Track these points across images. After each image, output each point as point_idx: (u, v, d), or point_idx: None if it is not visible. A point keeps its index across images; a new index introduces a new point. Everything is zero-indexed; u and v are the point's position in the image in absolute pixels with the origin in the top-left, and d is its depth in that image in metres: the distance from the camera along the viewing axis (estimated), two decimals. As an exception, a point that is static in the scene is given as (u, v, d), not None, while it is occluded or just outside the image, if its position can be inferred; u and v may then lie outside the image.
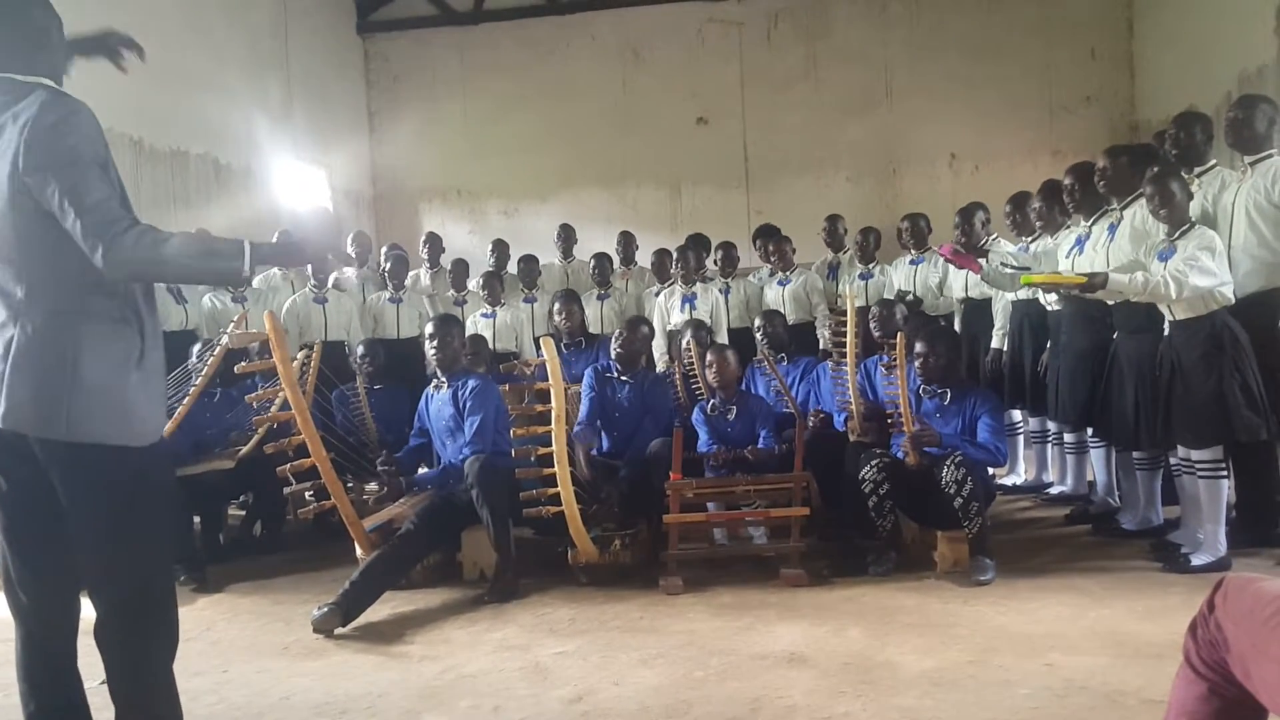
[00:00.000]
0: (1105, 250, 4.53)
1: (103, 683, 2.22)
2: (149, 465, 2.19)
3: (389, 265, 7.13)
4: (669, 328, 6.70)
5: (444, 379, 4.73)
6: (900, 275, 6.57)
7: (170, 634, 2.24)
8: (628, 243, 7.95)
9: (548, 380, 4.18)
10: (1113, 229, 4.54)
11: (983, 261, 5.00)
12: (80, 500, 2.13)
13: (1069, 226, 5.19)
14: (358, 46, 11.22)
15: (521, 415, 4.64)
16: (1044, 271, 4.81)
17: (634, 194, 10.71)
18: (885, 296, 6.44)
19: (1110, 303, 4.38)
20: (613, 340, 5.25)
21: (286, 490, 4.25)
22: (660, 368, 6.54)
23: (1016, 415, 5.91)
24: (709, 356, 4.98)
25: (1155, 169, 4.32)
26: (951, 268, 6.21)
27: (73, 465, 2.11)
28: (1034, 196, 5.50)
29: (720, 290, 6.92)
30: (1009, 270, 4.94)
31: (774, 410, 5.04)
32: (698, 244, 7.43)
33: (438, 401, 4.77)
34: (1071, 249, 4.89)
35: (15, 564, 2.24)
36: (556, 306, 6.27)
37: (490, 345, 6.38)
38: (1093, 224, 4.78)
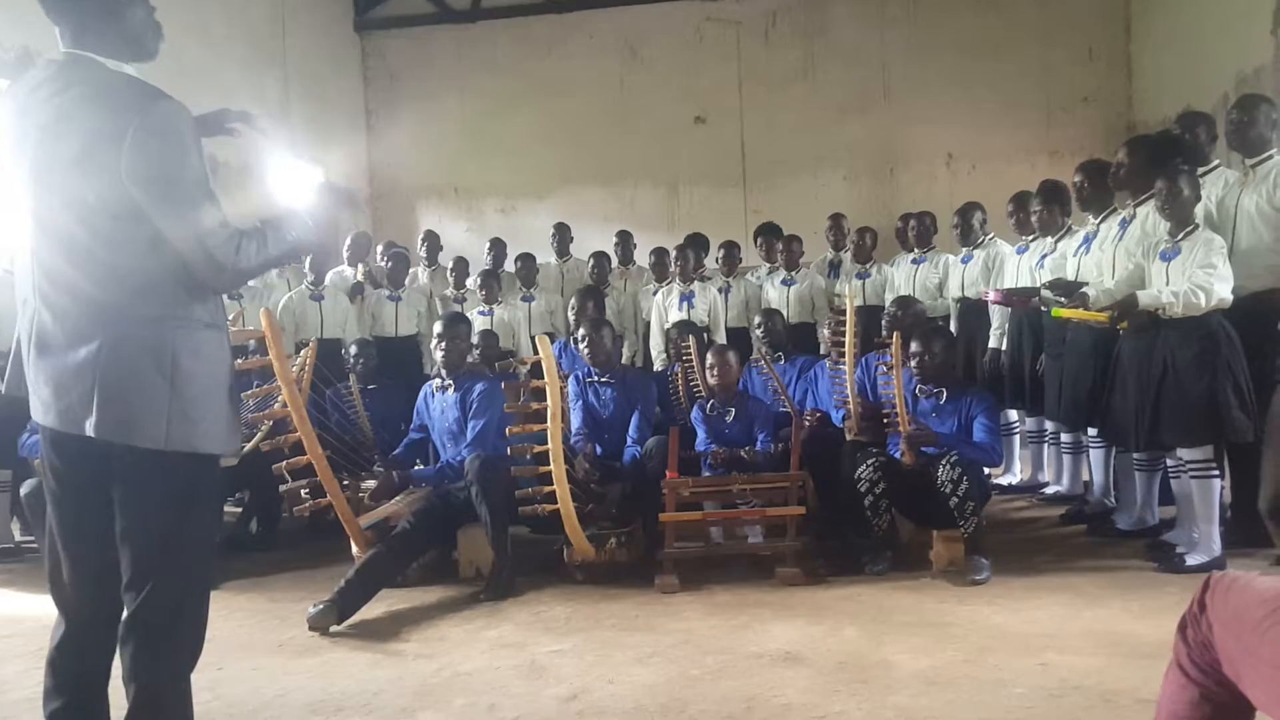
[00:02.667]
0: (1113, 248, 4.52)
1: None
2: (206, 476, 2.20)
3: (389, 263, 7.13)
4: (666, 326, 6.70)
5: (450, 380, 4.73)
6: (901, 275, 6.57)
7: (197, 641, 2.23)
8: (626, 242, 7.95)
9: (544, 378, 4.18)
10: (1124, 224, 4.53)
11: (1036, 299, 4.94)
12: (148, 503, 2.12)
13: (1074, 227, 5.19)
14: (355, 44, 11.20)
15: (517, 413, 4.63)
16: (1065, 280, 4.76)
17: (631, 193, 10.70)
18: (885, 296, 6.46)
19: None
20: (580, 345, 5.19)
21: (282, 488, 4.24)
22: (658, 366, 6.55)
23: (1013, 415, 5.93)
24: (709, 357, 4.98)
25: (1173, 165, 4.27)
26: (951, 268, 6.23)
27: (152, 470, 2.09)
28: (1034, 197, 5.50)
29: (719, 289, 6.92)
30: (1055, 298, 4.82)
31: (772, 412, 5.04)
32: (696, 243, 7.43)
33: (441, 402, 4.76)
34: (1079, 248, 4.89)
35: (67, 565, 2.22)
36: (574, 303, 6.31)
37: (488, 343, 6.37)
38: (1101, 222, 4.78)
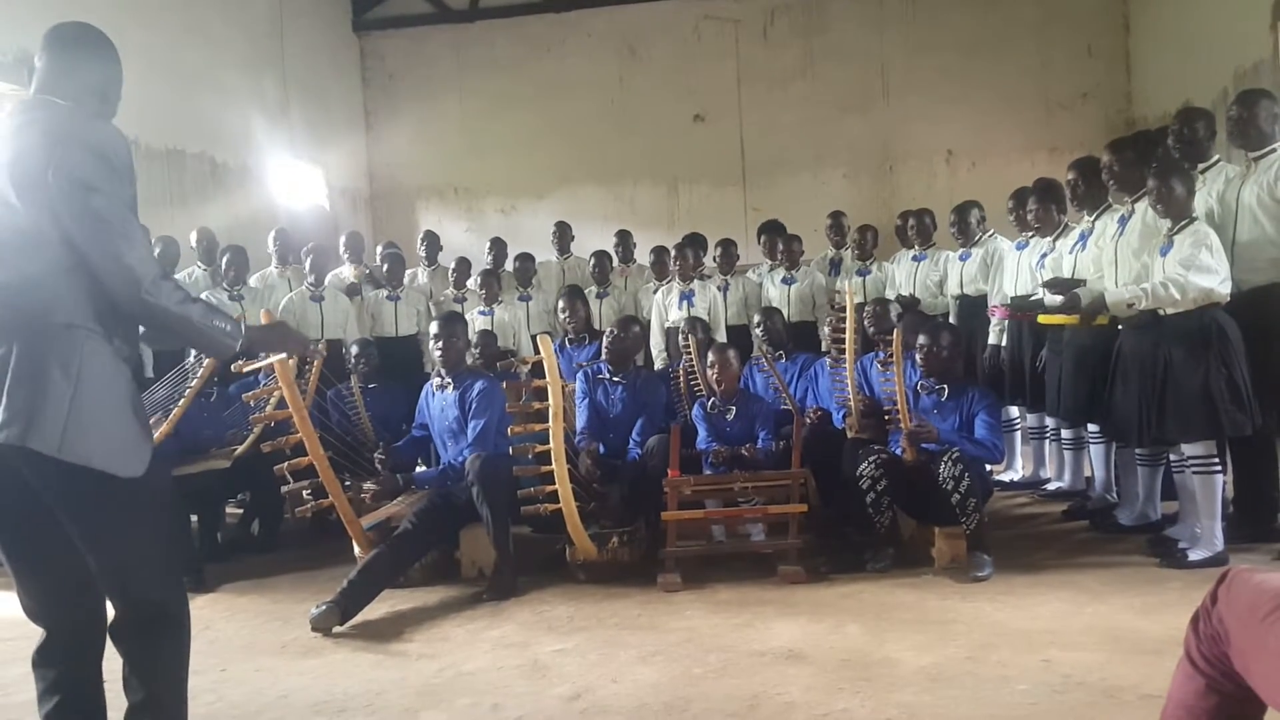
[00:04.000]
0: (1114, 244, 4.52)
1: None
2: (139, 489, 2.14)
3: (386, 264, 7.13)
4: (667, 325, 6.70)
5: (449, 379, 4.73)
6: (902, 272, 6.57)
7: (180, 640, 2.23)
8: (625, 241, 7.95)
9: (545, 378, 4.18)
10: (1124, 221, 4.53)
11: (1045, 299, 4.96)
12: (74, 518, 2.11)
13: (1071, 225, 5.19)
14: (354, 45, 11.21)
15: (519, 413, 4.63)
16: (1064, 279, 4.79)
17: (631, 191, 10.71)
18: (884, 293, 6.46)
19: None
20: (604, 340, 5.24)
21: (284, 489, 4.24)
22: (658, 365, 6.55)
23: (1014, 411, 5.92)
24: (710, 356, 4.97)
25: (1157, 163, 4.31)
26: (950, 265, 6.22)
27: (64, 483, 2.07)
28: (1030, 195, 5.49)
29: (719, 287, 6.92)
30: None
31: (773, 411, 5.04)
32: (695, 242, 7.42)
33: (441, 401, 4.76)
34: (1075, 245, 4.89)
35: (19, 583, 2.23)
36: (561, 304, 6.26)
37: (487, 343, 6.36)
38: (1096, 219, 4.78)
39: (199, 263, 6.88)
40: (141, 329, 2.27)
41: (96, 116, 2.25)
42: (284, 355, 3.55)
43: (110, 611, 2.22)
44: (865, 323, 5.10)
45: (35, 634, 2.24)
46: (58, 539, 2.15)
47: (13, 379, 2.05)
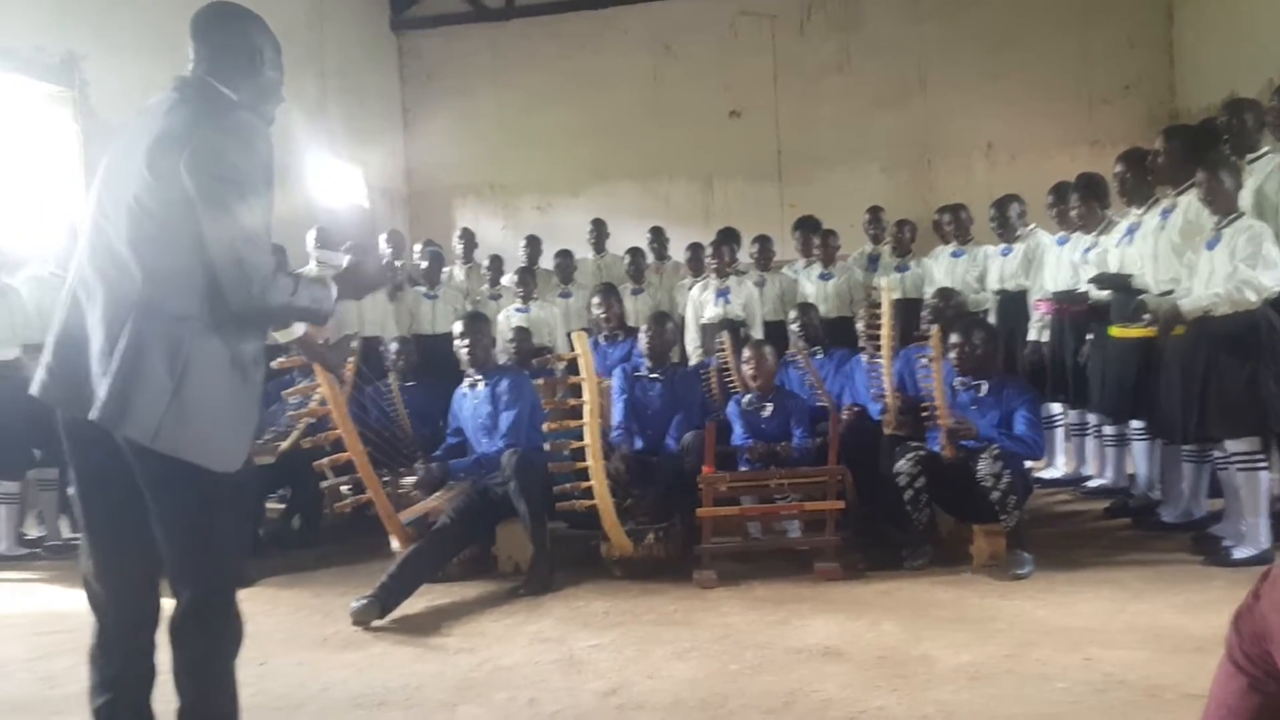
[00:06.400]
0: (1154, 238, 4.45)
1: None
2: (225, 484, 2.18)
3: (425, 262, 7.17)
4: (702, 321, 6.69)
5: (478, 376, 4.76)
6: (940, 268, 6.52)
7: (235, 636, 2.26)
8: (659, 237, 7.95)
9: (580, 374, 4.19)
10: (1166, 214, 4.46)
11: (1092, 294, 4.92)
12: (160, 505, 2.15)
13: (1115, 218, 5.11)
14: (392, 43, 11.28)
15: (555, 409, 4.65)
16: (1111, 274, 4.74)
17: (666, 188, 10.69)
18: (924, 289, 6.42)
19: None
20: (640, 336, 5.24)
21: (324, 484, 4.29)
22: (694, 361, 6.54)
23: (1055, 408, 5.85)
24: (746, 352, 4.96)
25: (1213, 154, 4.20)
26: (990, 260, 6.16)
27: (155, 467, 2.11)
28: (1072, 191, 5.41)
29: (755, 283, 6.90)
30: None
31: (809, 407, 5.01)
32: (730, 237, 7.41)
33: (472, 399, 4.79)
34: (1121, 239, 4.82)
35: (94, 556, 2.25)
36: (596, 300, 6.27)
37: (523, 340, 6.39)
38: (1144, 212, 4.70)
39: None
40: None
41: (255, 101, 2.28)
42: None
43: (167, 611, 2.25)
44: (923, 314, 5.07)
45: (80, 628, 2.28)
46: (142, 528, 2.18)
47: (118, 364, 2.07)
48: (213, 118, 2.15)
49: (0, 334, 5.10)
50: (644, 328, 5.23)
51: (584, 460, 4.11)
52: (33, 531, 5.58)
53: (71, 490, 5.05)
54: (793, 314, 5.67)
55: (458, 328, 4.91)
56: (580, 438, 4.13)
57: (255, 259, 2.11)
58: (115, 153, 2.24)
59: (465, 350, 4.79)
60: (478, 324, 4.89)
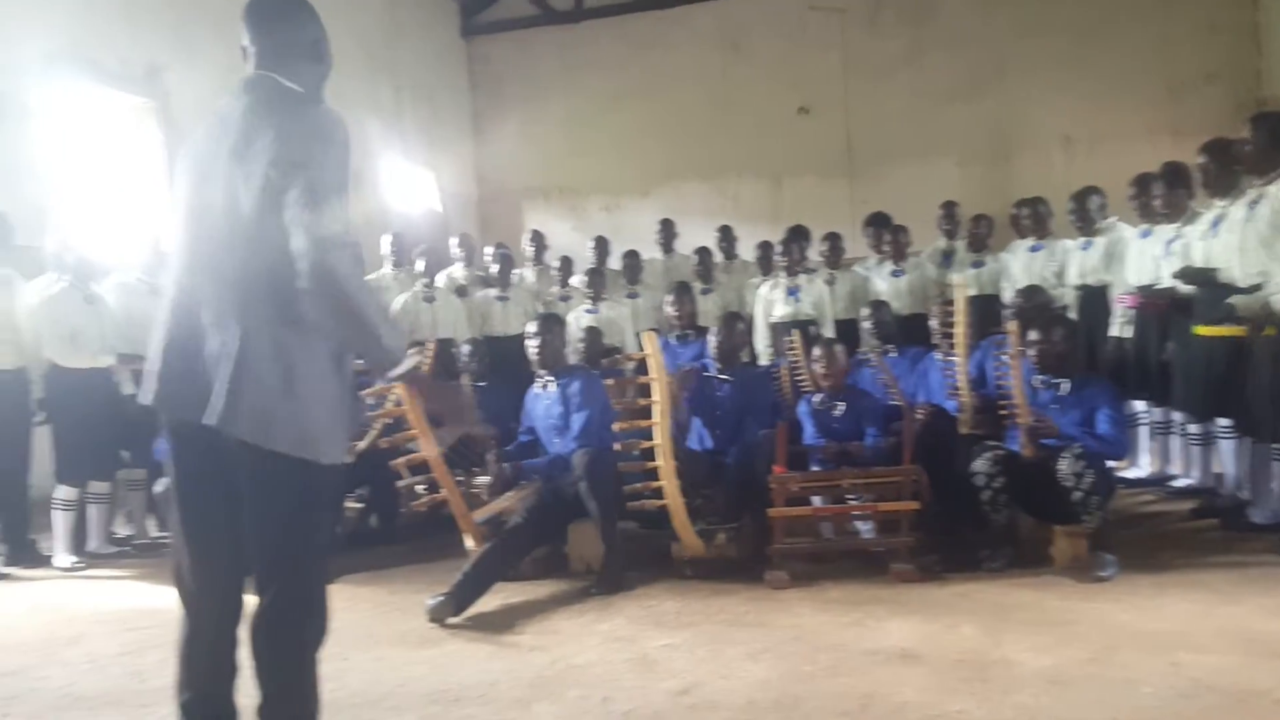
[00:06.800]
0: (1241, 230, 4.31)
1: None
2: (327, 481, 2.25)
3: (497, 264, 7.26)
4: (771, 320, 6.65)
5: (550, 377, 4.80)
6: (1018, 264, 6.39)
7: (321, 632, 2.31)
8: (727, 236, 7.92)
9: (650, 374, 4.19)
10: (1253, 205, 4.31)
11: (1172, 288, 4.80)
12: (264, 502, 2.21)
13: (1200, 210, 4.95)
14: (462, 50, 11.45)
15: (625, 409, 4.66)
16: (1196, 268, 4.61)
17: (734, 186, 10.67)
18: (1001, 285, 6.30)
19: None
20: (709, 338, 5.22)
21: (400, 484, 4.37)
22: (764, 360, 6.51)
23: (1139, 406, 5.69)
24: (816, 350, 4.92)
25: None
26: (1070, 255, 6.03)
27: (268, 469, 2.16)
28: (1156, 181, 5.26)
29: (826, 281, 6.83)
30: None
31: (881, 406, 4.95)
32: (800, 235, 7.35)
33: (545, 400, 4.83)
34: (1206, 232, 4.67)
35: (188, 554, 2.32)
36: (670, 299, 6.28)
37: (593, 341, 6.42)
38: (1230, 203, 4.55)
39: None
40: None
41: (315, 90, 2.37)
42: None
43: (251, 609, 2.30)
44: (1006, 313, 4.99)
45: (167, 624, 2.35)
46: (232, 525, 2.25)
47: (230, 369, 2.13)
48: (289, 116, 2.20)
49: (92, 342, 5.25)
50: (713, 329, 5.22)
51: (654, 460, 4.11)
52: (122, 530, 5.77)
53: (158, 489, 5.23)
54: (865, 311, 5.60)
55: (530, 328, 4.95)
56: (650, 437, 4.14)
57: (326, 229, 2.11)
58: (195, 159, 2.30)
59: (535, 350, 4.83)
60: (550, 325, 4.93)
